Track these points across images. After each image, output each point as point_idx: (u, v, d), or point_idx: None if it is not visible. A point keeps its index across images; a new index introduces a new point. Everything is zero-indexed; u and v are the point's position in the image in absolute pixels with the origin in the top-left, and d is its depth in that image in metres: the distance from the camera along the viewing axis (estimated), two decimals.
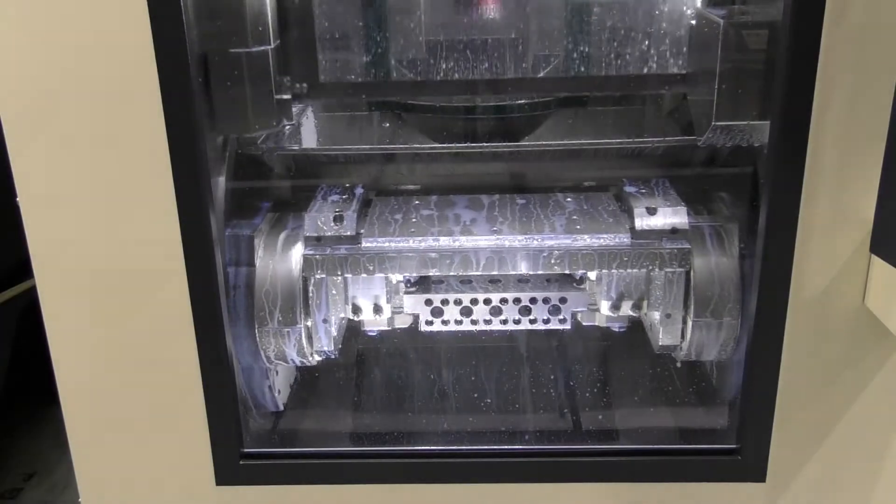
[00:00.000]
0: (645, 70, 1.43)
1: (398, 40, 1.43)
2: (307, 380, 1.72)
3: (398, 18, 1.42)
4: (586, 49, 1.42)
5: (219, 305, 1.30)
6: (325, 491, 1.44)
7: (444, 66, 1.43)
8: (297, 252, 1.41)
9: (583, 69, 1.44)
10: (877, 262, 1.24)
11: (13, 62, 1.19)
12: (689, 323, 1.39)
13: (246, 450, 1.40)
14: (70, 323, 1.34)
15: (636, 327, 1.55)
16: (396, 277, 1.46)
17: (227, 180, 1.35)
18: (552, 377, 1.71)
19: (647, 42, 1.41)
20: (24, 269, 1.41)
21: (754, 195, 1.32)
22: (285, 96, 1.38)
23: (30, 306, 2.33)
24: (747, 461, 1.37)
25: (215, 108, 1.29)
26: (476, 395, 1.65)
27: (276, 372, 1.56)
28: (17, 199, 1.27)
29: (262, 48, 1.31)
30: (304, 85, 1.43)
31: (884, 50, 1.15)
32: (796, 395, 1.33)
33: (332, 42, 1.43)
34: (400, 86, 1.46)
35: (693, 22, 1.41)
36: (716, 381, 1.58)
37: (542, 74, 1.45)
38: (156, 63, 1.17)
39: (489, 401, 1.64)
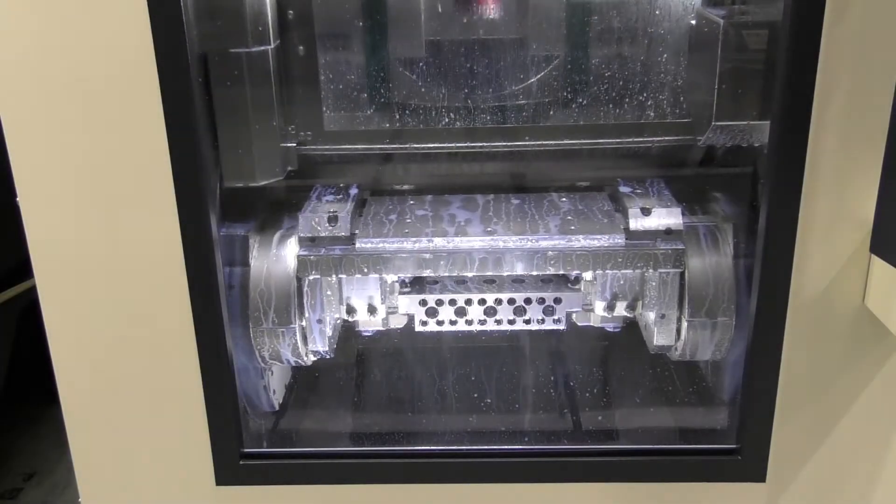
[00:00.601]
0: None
1: (402, 90, 1.44)
2: (306, 380, 1.72)
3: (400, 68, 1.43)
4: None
5: (219, 305, 1.30)
6: (325, 491, 1.44)
7: (447, 116, 1.45)
8: (292, 251, 1.41)
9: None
10: (877, 262, 1.24)
11: (13, 62, 1.19)
12: (684, 323, 1.39)
13: (246, 450, 1.41)
14: (70, 323, 1.34)
15: (633, 327, 1.55)
16: (391, 278, 1.46)
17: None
18: (551, 377, 1.71)
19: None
20: (24, 269, 1.41)
21: (753, 195, 1.32)
22: (290, 144, 1.40)
23: (30, 306, 2.33)
24: (747, 461, 1.37)
25: (220, 159, 1.32)
26: (476, 395, 1.65)
27: (272, 372, 1.56)
28: (17, 199, 1.27)
29: (262, 48, 1.31)
30: (309, 133, 1.44)
31: (884, 50, 1.15)
32: (796, 395, 1.33)
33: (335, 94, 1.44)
34: (403, 133, 1.47)
35: (693, 22, 1.41)
36: (710, 381, 1.58)
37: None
38: (156, 63, 1.17)
39: (489, 401, 1.64)
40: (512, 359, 1.76)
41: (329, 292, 1.44)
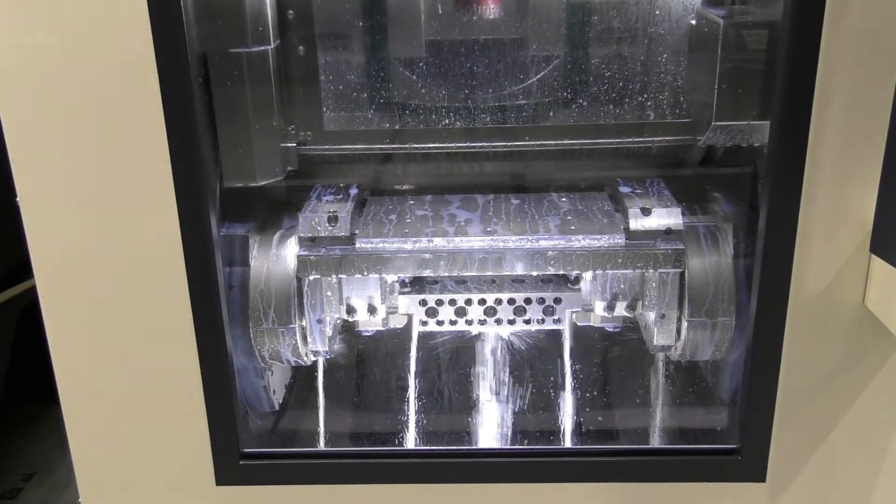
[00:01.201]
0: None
1: (402, 90, 1.44)
2: (306, 379, 1.72)
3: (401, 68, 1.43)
4: None
5: (219, 305, 1.30)
6: (325, 491, 1.44)
7: (447, 116, 1.45)
8: (292, 251, 1.41)
9: None
10: (877, 262, 1.24)
11: (13, 62, 1.19)
12: (684, 323, 1.39)
13: (246, 450, 1.41)
14: (70, 323, 1.34)
15: (633, 327, 1.55)
16: (391, 278, 1.46)
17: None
18: (551, 377, 1.71)
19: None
20: (24, 269, 1.41)
21: (753, 195, 1.32)
22: (290, 144, 1.40)
23: (30, 306, 2.33)
24: (747, 461, 1.37)
25: (220, 159, 1.32)
26: (476, 395, 1.65)
27: (272, 372, 1.56)
28: (17, 199, 1.27)
29: (262, 48, 1.31)
30: (309, 133, 1.44)
31: (884, 50, 1.15)
32: (796, 395, 1.33)
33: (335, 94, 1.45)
34: (403, 133, 1.47)
35: (693, 22, 1.41)
36: (710, 381, 1.58)
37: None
38: (156, 63, 1.17)
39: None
40: (512, 359, 1.76)
41: (329, 292, 1.44)
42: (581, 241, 1.36)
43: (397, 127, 1.45)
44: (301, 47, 1.40)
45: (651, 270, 1.39)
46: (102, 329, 1.34)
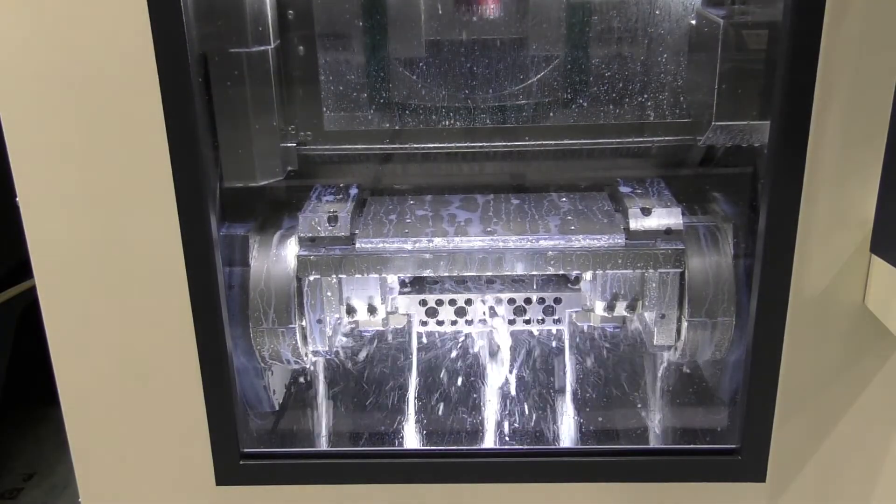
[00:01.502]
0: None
1: (402, 90, 1.44)
2: (306, 379, 1.72)
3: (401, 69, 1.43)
4: None
5: (219, 305, 1.30)
6: (325, 491, 1.44)
7: (447, 116, 1.45)
8: (292, 251, 1.41)
9: None
10: (877, 262, 1.24)
11: (13, 62, 1.19)
12: (684, 323, 1.40)
13: (245, 450, 1.41)
14: (70, 323, 1.34)
15: (633, 326, 1.55)
16: (391, 278, 1.46)
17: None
18: (551, 377, 1.71)
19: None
20: (24, 269, 1.41)
21: (753, 195, 1.32)
22: (290, 144, 1.41)
23: (30, 306, 2.33)
24: (747, 461, 1.37)
25: (220, 159, 1.32)
26: (475, 395, 1.65)
27: (272, 372, 1.56)
28: (17, 199, 1.27)
29: (262, 48, 1.31)
30: (309, 133, 1.44)
31: (884, 50, 1.15)
32: (796, 395, 1.33)
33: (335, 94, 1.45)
34: (403, 133, 1.47)
35: (693, 22, 1.41)
36: (710, 381, 1.58)
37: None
38: (156, 63, 1.17)
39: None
40: (512, 359, 1.76)
41: (329, 292, 1.44)
42: (581, 241, 1.36)
43: (397, 127, 1.45)
44: (301, 47, 1.40)
45: (651, 270, 1.39)
46: (102, 329, 1.34)
